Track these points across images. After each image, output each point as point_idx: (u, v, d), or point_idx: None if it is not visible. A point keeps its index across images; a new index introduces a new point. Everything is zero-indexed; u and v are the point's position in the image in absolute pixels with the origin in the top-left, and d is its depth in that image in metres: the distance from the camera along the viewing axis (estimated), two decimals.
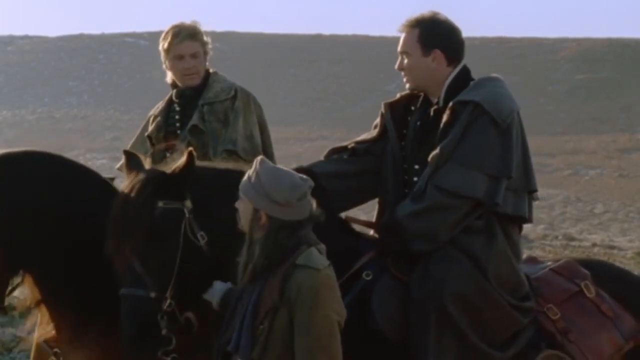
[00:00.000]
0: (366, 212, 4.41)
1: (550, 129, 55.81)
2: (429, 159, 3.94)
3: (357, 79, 68.71)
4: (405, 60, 4.11)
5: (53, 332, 4.03)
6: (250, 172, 3.57)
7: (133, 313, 3.68)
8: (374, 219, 4.20)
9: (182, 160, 3.77)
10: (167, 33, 4.80)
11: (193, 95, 4.78)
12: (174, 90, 4.85)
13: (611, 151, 53.57)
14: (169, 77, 4.87)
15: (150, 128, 4.84)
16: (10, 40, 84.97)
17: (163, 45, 4.78)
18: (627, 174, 48.03)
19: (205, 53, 4.80)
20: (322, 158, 4.33)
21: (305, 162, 4.38)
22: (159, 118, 4.84)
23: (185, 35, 4.72)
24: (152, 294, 3.69)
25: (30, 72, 75.32)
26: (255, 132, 4.73)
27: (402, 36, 4.13)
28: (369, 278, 3.91)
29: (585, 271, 4.22)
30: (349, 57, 73.72)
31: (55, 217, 3.87)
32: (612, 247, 26.75)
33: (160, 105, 4.93)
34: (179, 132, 4.77)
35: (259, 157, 3.62)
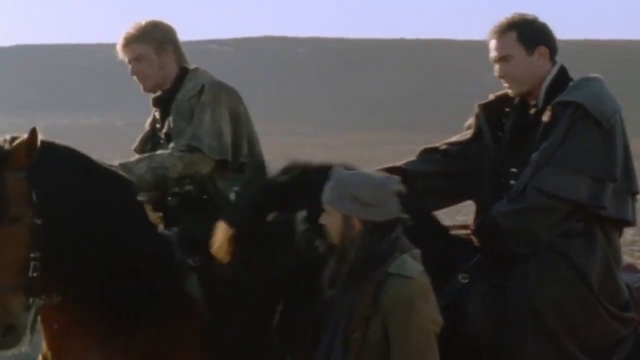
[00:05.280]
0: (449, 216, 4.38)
1: None
2: (530, 160, 3.86)
3: (440, 82, 68.22)
4: (507, 65, 4.02)
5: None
6: (329, 183, 3.51)
7: None
8: (454, 222, 4.17)
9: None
10: None
11: (168, 100, 4.40)
12: (152, 98, 4.50)
13: None
14: None
15: (136, 143, 4.53)
16: (100, 47, 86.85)
17: None
18: None
19: (164, 51, 4.39)
20: (414, 158, 4.29)
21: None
22: (147, 129, 4.54)
23: (126, 40, 4.40)
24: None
25: (118, 79, 76.84)
26: (225, 128, 4.26)
27: (494, 43, 4.03)
28: (465, 281, 3.88)
29: None
30: (432, 61, 73.24)
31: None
32: None
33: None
34: (162, 141, 4.41)
35: (334, 167, 3.53)
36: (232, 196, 4.12)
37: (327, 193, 3.50)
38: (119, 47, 4.41)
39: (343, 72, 70.95)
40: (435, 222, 4.13)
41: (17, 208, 3.54)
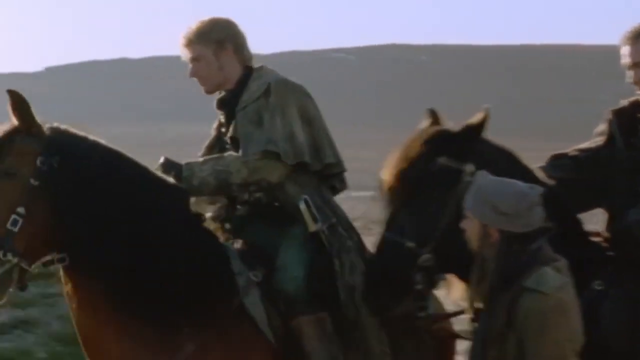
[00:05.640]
0: None
1: None
2: None
3: (570, 88, 66.93)
4: None
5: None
6: (472, 188, 3.46)
7: (382, 257, 3.72)
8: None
9: (475, 119, 3.78)
10: None
11: (232, 101, 4.15)
12: (215, 101, 4.28)
13: None
14: None
15: (202, 150, 4.33)
16: None
17: None
18: None
19: (222, 51, 4.15)
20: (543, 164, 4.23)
21: None
22: (212, 134, 4.34)
23: (183, 42, 4.22)
24: (410, 245, 3.68)
25: None
26: (297, 130, 4.01)
27: (628, 49, 3.97)
28: (600, 288, 3.82)
29: None
30: (559, 66, 71.92)
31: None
32: None
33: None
34: (227, 146, 4.17)
35: (480, 171, 3.49)
36: (302, 205, 3.98)
37: (469, 198, 3.46)
38: (179, 47, 4.25)
39: (466, 79, 70.43)
40: (579, 227, 4.06)
41: (16, 164, 3.62)
